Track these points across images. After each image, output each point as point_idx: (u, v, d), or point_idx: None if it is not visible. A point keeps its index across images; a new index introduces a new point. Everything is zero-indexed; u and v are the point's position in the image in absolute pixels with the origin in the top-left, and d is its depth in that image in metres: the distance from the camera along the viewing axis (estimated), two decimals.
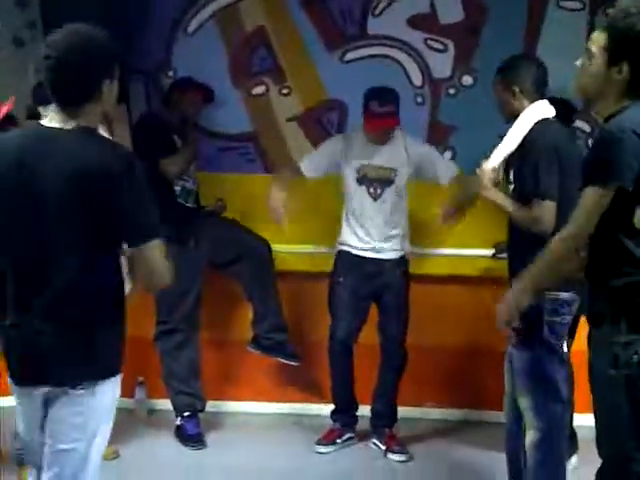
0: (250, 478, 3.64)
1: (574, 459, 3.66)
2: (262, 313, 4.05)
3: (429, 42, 4.33)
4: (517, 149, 3.06)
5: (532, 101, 3.09)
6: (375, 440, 4.02)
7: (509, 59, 3.25)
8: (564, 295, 3.00)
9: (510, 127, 3.13)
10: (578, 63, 2.36)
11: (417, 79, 4.36)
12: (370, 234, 3.89)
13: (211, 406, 4.22)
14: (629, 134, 2.17)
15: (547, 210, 2.92)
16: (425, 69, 4.35)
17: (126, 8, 4.12)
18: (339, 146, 3.93)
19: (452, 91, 4.34)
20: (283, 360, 4.12)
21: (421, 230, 4.09)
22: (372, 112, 3.77)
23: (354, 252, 3.92)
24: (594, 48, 2.30)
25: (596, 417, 2.34)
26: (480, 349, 4.17)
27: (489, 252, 4.09)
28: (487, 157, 3.15)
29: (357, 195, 3.89)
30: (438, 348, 4.33)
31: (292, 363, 4.12)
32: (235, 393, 4.48)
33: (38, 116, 3.42)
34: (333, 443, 4.01)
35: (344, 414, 4.05)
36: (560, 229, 2.84)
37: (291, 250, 4.26)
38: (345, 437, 4.04)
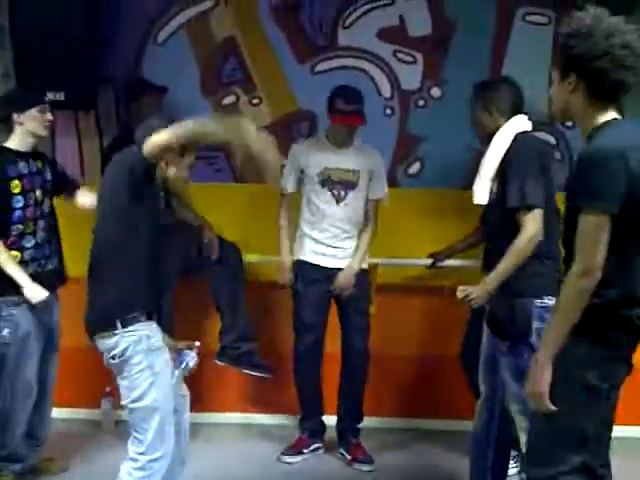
0: None
1: None
2: (230, 322, 4.02)
3: (398, 54, 4.37)
4: (500, 163, 3.09)
5: (507, 120, 3.14)
6: (342, 450, 4.03)
7: (487, 80, 3.29)
8: (550, 302, 3.04)
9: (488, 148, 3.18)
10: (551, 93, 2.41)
11: (386, 91, 4.39)
12: (331, 237, 3.89)
13: None
14: (612, 157, 2.19)
15: (538, 219, 2.95)
16: (394, 81, 4.39)
17: (96, 17, 4.14)
18: (298, 154, 3.96)
19: (421, 103, 4.39)
20: (251, 372, 4.04)
21: (385, 239, 4.08)
22: (338, 109, 3.80)
23: (313, 261, 3.92)
24: (554, 72, 2.38)
25: None
26: (443, 358, 4.20)
27: (454, 262, 4.13)
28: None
29: (320, 197, 3.90)
30: (402, 358, 4.36)
31: (260, 375, 4.05)
32: (201, 404, 4.45)
33: (11, 124, 3.43)
34: (300, 453, 4.00)
35: (311, 421, 4.05)
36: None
37: (260, 260, 4.25)
38: (312, 447, 4.04)
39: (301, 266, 3.96)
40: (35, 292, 3.34)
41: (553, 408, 2.28)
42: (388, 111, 4.40)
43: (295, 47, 4.39)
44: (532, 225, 2.95)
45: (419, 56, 4.36)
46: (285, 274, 3.96)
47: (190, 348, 3.05)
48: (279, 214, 4.00)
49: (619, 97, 2.32)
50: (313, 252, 3.93)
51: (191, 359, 3.03)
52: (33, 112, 3.43)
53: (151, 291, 2.84)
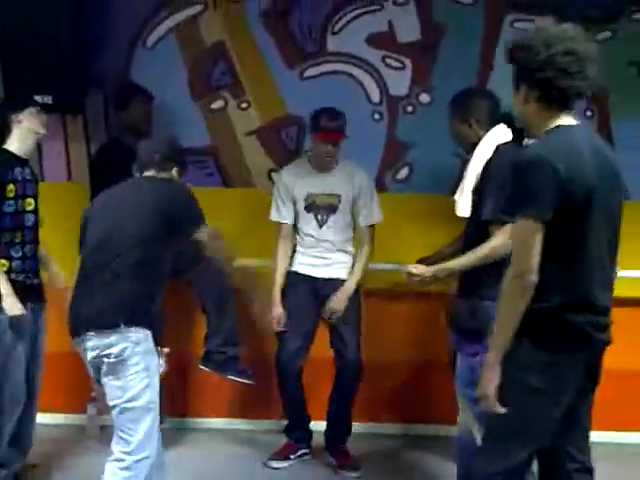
0: None
1: None
2: (216, 325, 3.98)
3: (387, 60, 4.38)
4: (481, 174, 3.09)
5: (487, 130, 3.15)
6: (329, 456, 4.01)
7: (462, 92, 3.30)
8: None
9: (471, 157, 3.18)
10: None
11: (375, 96, 4.40)
12: (320, 251, 3.94)
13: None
14: (540, 163, 2.21)
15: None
16: (383, 86, 4.39)
17: (85, 20, 4.12)
18: (284, 183, 3.98)
19: (410, 108, 4.39)
20: (235, 379, 3.97)
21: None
22: (322, 126, 3.83)
23: (303, 272, 3.96)
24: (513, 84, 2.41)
25: None
26: (432, 364, 4.20)
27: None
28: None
29: (305, 222, 3.96)
30: (390, 363, 4.35)
31: (244, 381, 3.98)
32: (187, 410, 4.45)
33: (9, 126, 3.41)
34: (287, 458, 3.99)
35: (297, 429, 4.04)
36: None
37: (248, 263, 4.23)
38: (299, 453, 4.02)
39: (292, 276, 3.99)
40: (13, 305, 3.30)
41: (501, 409, 2.30)
42: (376, 116, 4.40)
43: (284, 52, 4.39)
44: (502, 237, 2.95)
45: (408, 62, 4.37)
46: (275, 310, 3.94)
47: (158, 355, 3.02)
48: (275, 247, 3.99)
49: (570, 103, 2.34)
50: (303, 264, 3.98)
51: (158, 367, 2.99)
52: (31, 110, 3.43)
53: (153, 298, 2.89)
